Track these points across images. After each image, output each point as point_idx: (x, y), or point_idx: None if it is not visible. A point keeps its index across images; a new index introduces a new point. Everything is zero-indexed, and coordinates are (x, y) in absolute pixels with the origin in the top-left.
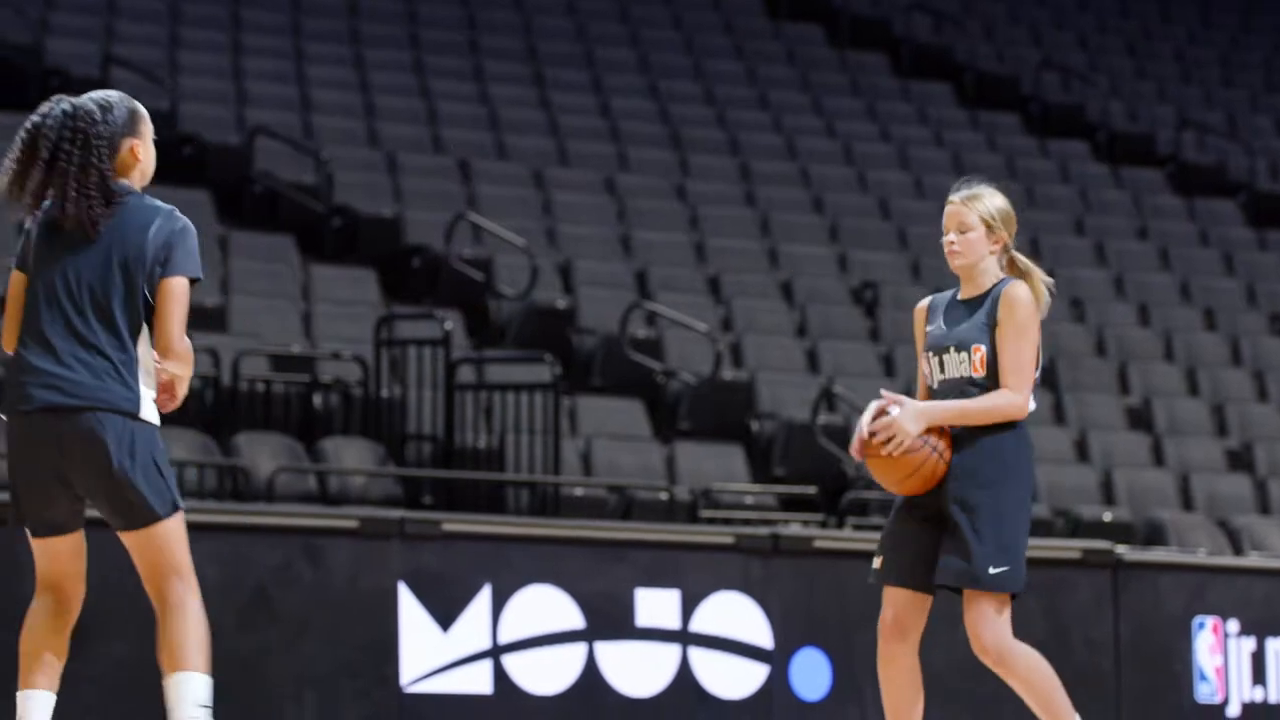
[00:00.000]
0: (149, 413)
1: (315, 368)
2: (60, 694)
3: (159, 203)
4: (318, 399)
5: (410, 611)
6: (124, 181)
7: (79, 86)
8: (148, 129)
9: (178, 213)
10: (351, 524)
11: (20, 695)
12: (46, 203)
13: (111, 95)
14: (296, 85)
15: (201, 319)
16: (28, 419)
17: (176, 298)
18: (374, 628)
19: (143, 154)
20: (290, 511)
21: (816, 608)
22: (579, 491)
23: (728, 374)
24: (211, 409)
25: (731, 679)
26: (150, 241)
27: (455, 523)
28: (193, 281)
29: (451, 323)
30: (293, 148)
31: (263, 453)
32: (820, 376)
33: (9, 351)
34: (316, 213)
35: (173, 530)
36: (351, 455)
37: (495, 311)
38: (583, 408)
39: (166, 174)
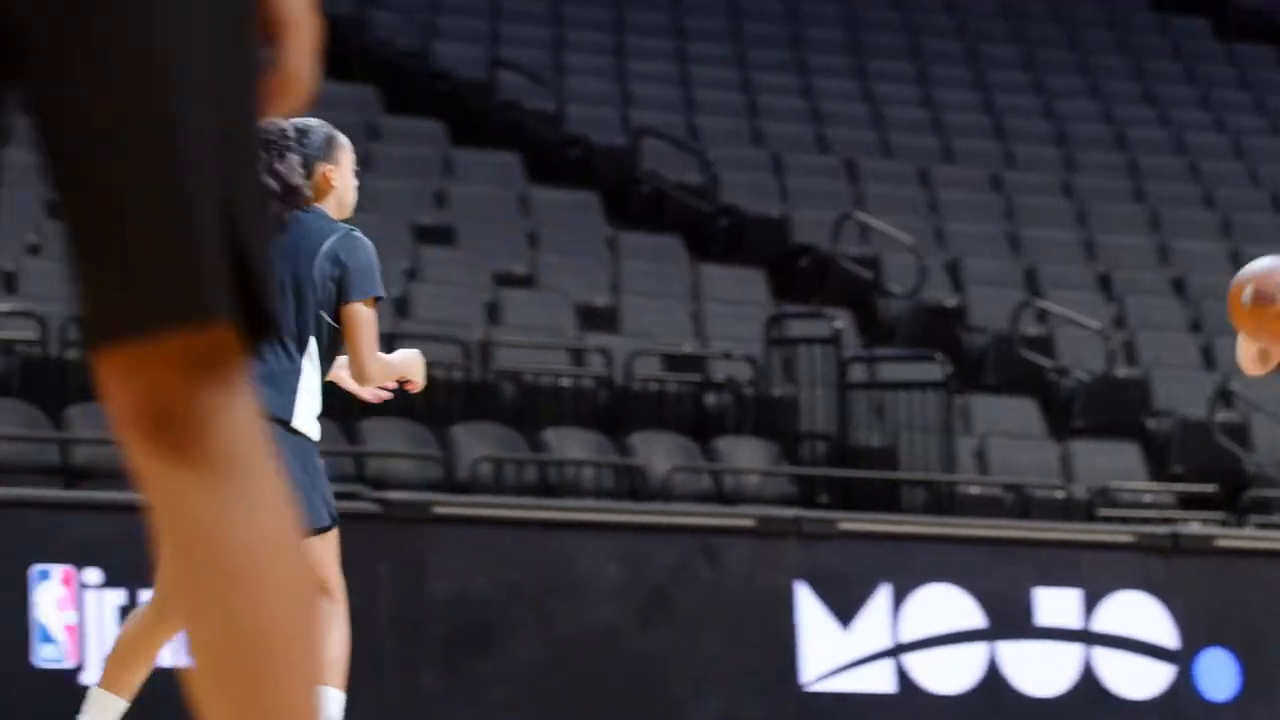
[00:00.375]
0: (304, 424)
1: (707, 367)
2: (468, 694)
3: (340, 224)
4: (710, 398)
5: (809, 610)
6: (317, 206)
7: (466, 90)
8: (347, 158)
9: (356, 232)
10: (748, 523)
11: (98, 692)
12: None
13: (312, 121)
14: (680, 86)
15: (593, 319)
16: None
17: (360, 323)
18: (771, 627)
19: (338, 181)
20: (687, 510)
21: (1219, 607)
22: (974, 490)
23: (1121, 371)
24: (606, 409)
25: (1135, 680)
26: (321, 257)
27: (852, 522)
28: (376, 300)
29: (841, 321)
30: (678, 148)
31: (657, 452)
32: (1215, 374)
33: None
34: (703, 213)
35: (315, 549)
36: (744, 454)
37: (884, 310)
38: (975, 406)
39: (553, 175)
